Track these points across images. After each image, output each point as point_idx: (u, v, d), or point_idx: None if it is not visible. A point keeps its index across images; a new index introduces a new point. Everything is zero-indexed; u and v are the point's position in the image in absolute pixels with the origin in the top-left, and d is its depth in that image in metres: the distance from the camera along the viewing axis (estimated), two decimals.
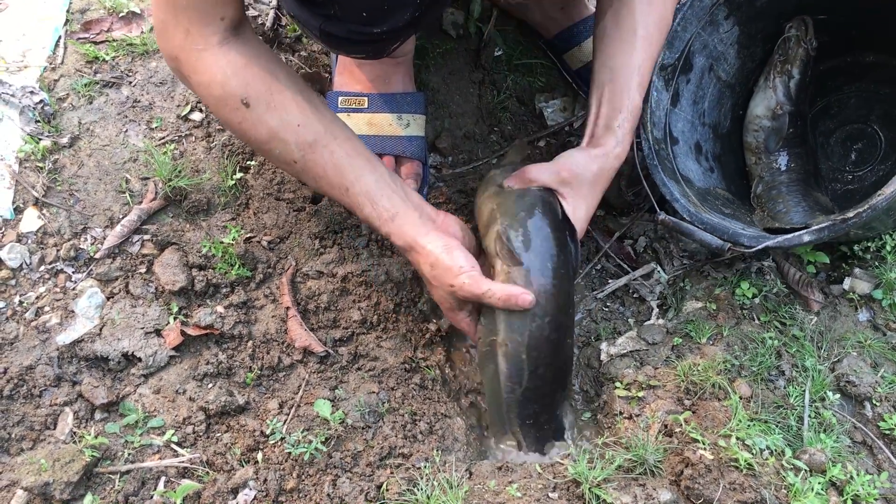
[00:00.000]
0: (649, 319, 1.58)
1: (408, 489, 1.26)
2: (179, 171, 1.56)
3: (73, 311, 1.43)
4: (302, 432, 1.33)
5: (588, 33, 1.84)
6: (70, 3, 1.75)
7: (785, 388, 1.40)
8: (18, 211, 1.49)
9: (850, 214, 1.29)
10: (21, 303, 1.43)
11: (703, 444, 1.26)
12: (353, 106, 1.62)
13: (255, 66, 1.24)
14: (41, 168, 1.53)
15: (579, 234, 1.39)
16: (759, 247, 1.39)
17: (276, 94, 1.25)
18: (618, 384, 1.45)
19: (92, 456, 1.28)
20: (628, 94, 1.42)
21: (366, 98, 1.62)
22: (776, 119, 1.67)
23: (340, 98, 1.63)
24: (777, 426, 1.31)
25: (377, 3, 1.22)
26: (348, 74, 1.66)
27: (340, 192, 1.31)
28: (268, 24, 1.80)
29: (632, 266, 1.69)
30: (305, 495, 1.29)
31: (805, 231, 1.36)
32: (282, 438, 1.34)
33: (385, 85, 1.64)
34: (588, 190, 1.40)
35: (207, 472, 1.31)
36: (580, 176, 1.39)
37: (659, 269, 1.63)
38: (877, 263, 1.51)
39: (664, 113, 1.63)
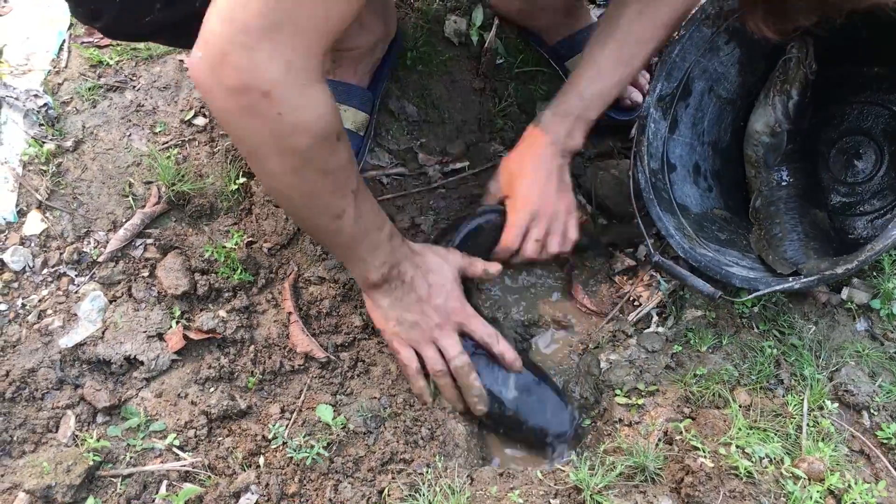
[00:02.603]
0: (649, 327, 1.59)
1: (409, 495, 1.27)
2: (183, 176, 1.56)
3: (75, 315, 1.43)
4: (304, 437, 1.34)
5: None
6: None
7: (784, 396, 1.41)
8: (22, 214, 1.50)
9: (839, 270, 1.35)
10: (24, 305, 1.43)
11: (704, 451, 1.26)
12: None
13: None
14: (45, 171, 1.53)
15: (524, 201, 1.54)
16: (750, 297, 1.45)
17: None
18: (618, 392, 1.46)
19: (94, 459, 1.28)
20: (574, 85, 1.53)
21: None
22: (775, 136, 1.68)
23: None
24: (776, 434, 1.32)
25: None
26: None
27: (375, 213, 1.33)
28: None
29: (632, 274, 1.70)
30: (307, 500, 1.29)
31: (795, 280, 1.41)
32: (283, 443, 1.34)
33: (329, 74, 1.65)
34: (517, 179, 1.55)
35: (209, 476, 1.31)
36: (507, 177, 1.57)
37: (659, 277, 1.64)
38: (875, 274, 1.52)
39: (661, 142, 1.64)
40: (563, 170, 1.57)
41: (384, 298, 1.39)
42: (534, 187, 1.53)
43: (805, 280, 1.39)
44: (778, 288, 1.41)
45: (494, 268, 1.52)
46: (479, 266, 1.50)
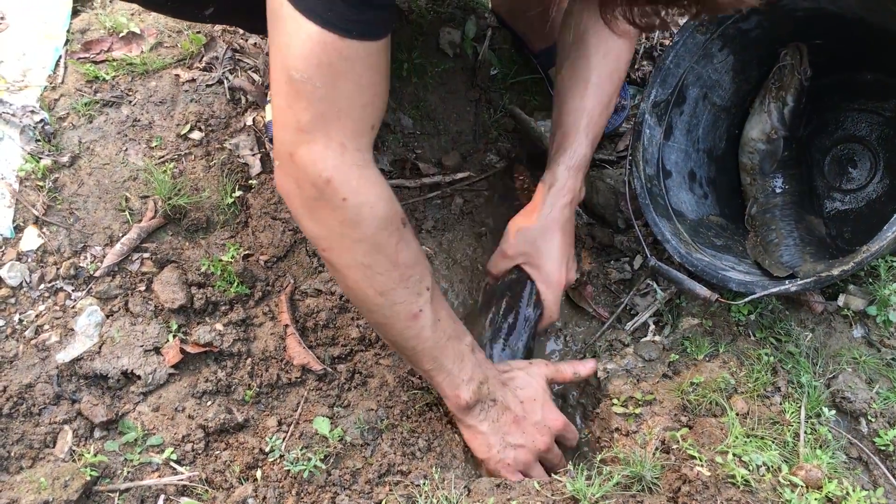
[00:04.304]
0: (646, 336, 1.59)
1: None
2: (179, 190, 1.57)
3: (72, 330, 1.43)
4: (301, 450, 1.34)
5: None
6: (70, 23, 1.77)
7: (781, 404, 1.40)
8: (19, 229, 1.50)
9: (835, 272, 1.35)
10: (21, 321, 1.43)
11: (701, 460, 1.26)
12: None
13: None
14: (41, 187, 1.54)
15: (553, 280, 1.50)
16: (747, 300, 1.45)
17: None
18: (615, 401, 1.45)
19: (91, 474, 1.28)
20: (574, 135, 1.49)
21: None
22: (771, 143, 1.68)
23: (268, 92, 1.67)
24: (773, 442, 1.32)
25: None
26: None
27: (454, 320, 1.31)
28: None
29: (629, 284, 1.70)
30: None
31: (791, 283, 1.41)
32: (281, 456, 1.34)
33: None
34: (538, 247, 1.50)
35: (207, 490, 1.31)
36: (523, 242, 1.51)
37: (656, 286, 1.64)
38: (871, 280, 1.52)
39: (657, 148, 1.65)
40: (573, 226, 1.56)
41: (482, 423, 1.34)
42: (563, 260, 1.51)
43: (801, 282, 1.39)
44: (774, 291, 1.41)
45: (586, 369, 1.48)
46: (567, 371, 1.46)
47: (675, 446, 1.31)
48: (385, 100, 1.17)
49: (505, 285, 1.53)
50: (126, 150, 1.62)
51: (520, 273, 1.52)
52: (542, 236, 1.50)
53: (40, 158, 1.56)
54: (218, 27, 1.83)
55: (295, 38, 1.05)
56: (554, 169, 1.51)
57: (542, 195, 1.51)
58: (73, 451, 1.33)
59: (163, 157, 1.63)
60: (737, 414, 1.35)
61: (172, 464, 1.35)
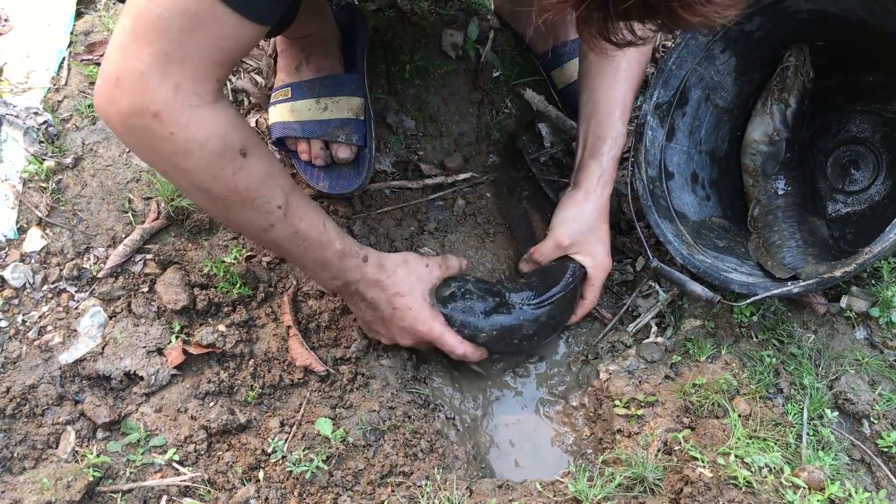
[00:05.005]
0: (648, 337, 1.59)
1: None
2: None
3: (75, 330, 1.44)
4: (303, 451, 1.34)
5: (572, 54, 1.86)
6: (74, 25, 1.77)
7: (783, 405, 1.40)
8: (22, 231, 1.50)
9: (838, 273, 1.35)
10: (24, 322, 1.44)
11: (703, 462, 1.26)
12: (280, 98, 1.66)
13: (244, 121, 1.22)
14: (45, 188, 1.54)
15: (604, 265, 1.57)
16: (749, 301, 1.45)
17: (263, 146, 1.25)
18: (617, 402, 1.45)
19: (94, 475, 1.28)
20: (611, 124, 1.54)
21: (289, 88, 1.66)
22: (773, 144, 1.68)
23: (271, 94, 1.69)
24: (776, 444, 1.32)
25: None
26: (279, 72, 1.71)
27: (318, 230, 1.31)
28: None
29: (631, 285, 1.70)
30: None
31: (794, 285, 1.41)
32: (283, 457, 1.34)
33: (299, 73, 1.67)
34: (592, 234, 1.56)
35: (209, 491, 1.32)
36: (579, 232, 1.55)
37: (658, 287, 1.64)
38: (874, 281, 1.52)
39: (659, 150, 1.65)
40: None
41: (353, 306, 1.47)
42: (607, 248, 1.58)
43: (804, 284, 1.39)
44: (777, 292, 1.41)
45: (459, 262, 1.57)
46: (454, 264, 1.54)
47: (677, 448, 1.31)
48: (231, 70, 1.18)
49: (554, 266, 1.57)
50: (129, 151, 1.63)
51: (569, 260, 1.56)
52: (594, 224, 1.57)
53: (44, 160, 1.56)
54: None
55: None
56: (599, 158, 1.56)
57: (591, 184, 1.56)
58: (76, 451, 1.34)
59: None
60: (739, 415, 1.35)
61: (175, 464, 1.35)
